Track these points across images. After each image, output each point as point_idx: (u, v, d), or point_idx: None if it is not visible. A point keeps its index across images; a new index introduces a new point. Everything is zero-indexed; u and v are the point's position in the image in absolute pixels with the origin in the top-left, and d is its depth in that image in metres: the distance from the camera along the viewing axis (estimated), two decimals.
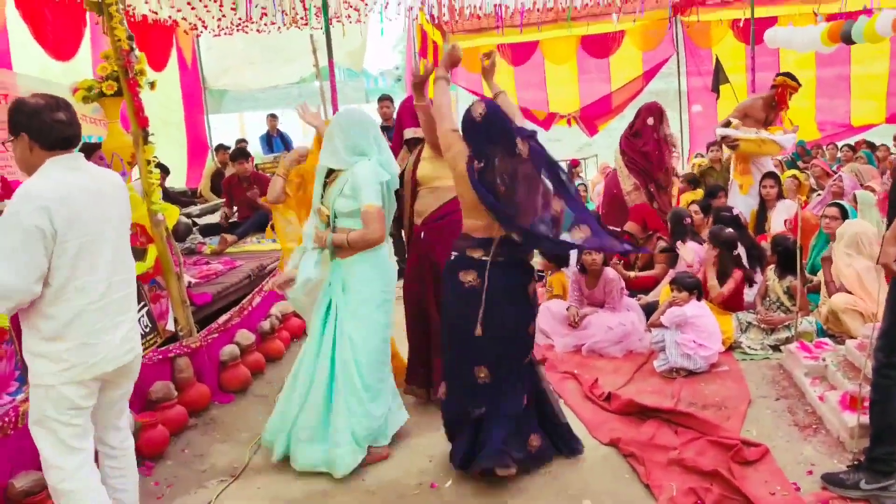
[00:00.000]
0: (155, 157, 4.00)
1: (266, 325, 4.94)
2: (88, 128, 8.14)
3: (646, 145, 6.32)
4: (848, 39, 7.00)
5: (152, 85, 4.12)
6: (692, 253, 5.12)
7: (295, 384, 3.50)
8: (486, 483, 3.18)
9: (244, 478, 3.48)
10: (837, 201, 5.24)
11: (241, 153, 6.86)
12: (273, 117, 10.00)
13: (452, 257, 3.19)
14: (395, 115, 6.74)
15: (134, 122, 3.81)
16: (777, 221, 6.26)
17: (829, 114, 12.76)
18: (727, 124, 6.89)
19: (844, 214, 5.07)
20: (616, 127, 13.53)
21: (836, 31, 7.07)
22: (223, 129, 13.07)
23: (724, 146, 7.20)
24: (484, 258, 3.09)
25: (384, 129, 6.44)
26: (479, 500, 3.11)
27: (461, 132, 3.16)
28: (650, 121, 6.37)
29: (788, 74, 7.10)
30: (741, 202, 6.63)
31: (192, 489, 3.39)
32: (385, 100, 7.17)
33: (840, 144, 10.27)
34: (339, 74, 11.17)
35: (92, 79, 3.97)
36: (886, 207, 5.17)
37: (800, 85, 7.04)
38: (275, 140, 9.79)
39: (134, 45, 3.74)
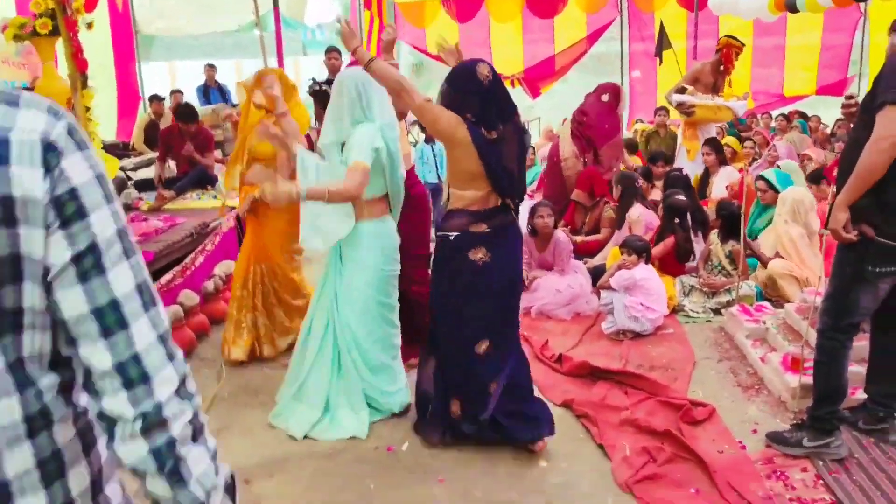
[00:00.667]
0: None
1: (210, 285, 4.78)
2: (11, 71, 7.64)
3: (596, 116, 6.35)
4: (793, 7, 7.16)
5: (89, 25, 3.87)
6: (641, 222, 5.19)
7: (301, 359, 3.48)
8: (442, 445, 3.20)
9: None
10: (763, 174, 5.40)
11: (189, 115, 6.33)
12: (211, 67, 9.57)
13: (453, 237, 3.04)
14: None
15: (71, 64, 3.58)
16: (718, 187, 6.42)
17: (763, 83, 13.09)
18: (682, 90, 6.96)
19: (771, 186, 5.25)
20: (558, 89, 13.62)
21: (781, 0, 7.21)
22: (152, 79, 12.46)
23: (678, 112, 7.25)
24: (487, 231, 3.01)
25: (329, 82, 6.30)
26: (437, 461, 3.12)
27: (455, 92, 2.95)
28: (605, 97, 6.38)
29: (730, 36, 7.23)
30: (689, 167, 6.76)
31: None
32: (333, 51, 6.94)
33: (774, 114, 10.56)
34: (266, 25, 10.77)
35: (22, 16, 3.68)
36: (830, 176, 5.39)
37: (743, 45, 7.19)
38: (212, 91, 9.41)
39: None
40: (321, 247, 3.41)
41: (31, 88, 4.08)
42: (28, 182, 0.84)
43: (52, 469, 0.92)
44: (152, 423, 0.91)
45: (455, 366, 3.16)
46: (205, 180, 6.22)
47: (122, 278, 0.91)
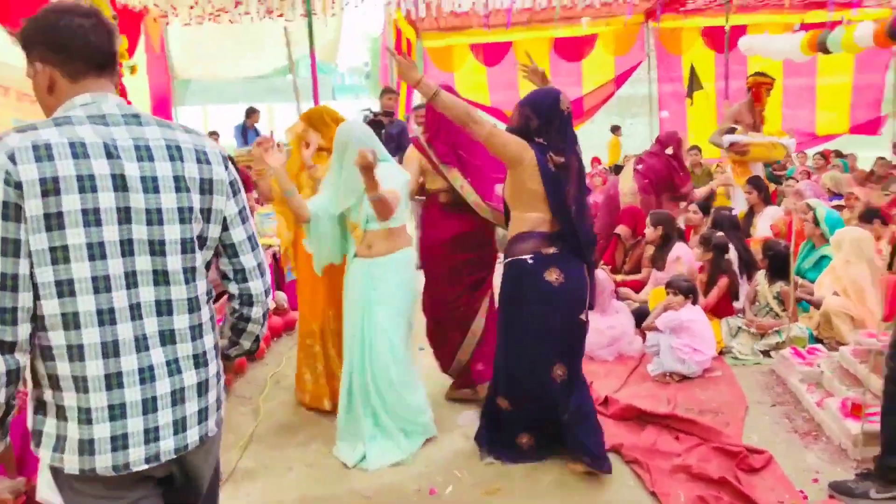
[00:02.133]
0: None
1: None
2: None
3: (665, 169, 6.28)
4: (824, 49, 7.10)
5: (133, 69, 3.93)
6: (682, 262, 5.08)
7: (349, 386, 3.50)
8: (485, 488, 3.10)
9: (231, 482, 3.31)
10: (811, 203, 5.30)
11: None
12: (255, 111, 9.83)
13: (529, 259, 3.08)
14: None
15: None
16: (762, 226, 6.30)
17: (794, 122, 13.00)
18: (731, 131, 6.88)
19: (815, 219, 5.13)
20: (587, 130, 13.63)
21: (814, 41, 7.16)
22: (187, 122, 12.73)
23: (731, 152, 7.07)
24: (557, 253, 3.08)
25: (386, 114, 6.44)
26: None
27: (536, 116, 3.06)
28: (669, 150, 6.30)
29: (758, 73, 7.19)
30: (743, 206, 6.68)
31: None
32: (390, 92, 7.11)
33: (810, 153, 10.45)
34: (305, 70, 10.95)
35: None
36: (887, 215, 5.26)
37: (773, 80, 7.12)
38: (249, 133, 9.57)
39: (117, 25, 3.52)
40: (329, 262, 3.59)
41: None
42: (220, 174, 1.66)
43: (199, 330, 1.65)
44: (266, 294, 1.78)
45: (530, 397, 3.22)
46: None
47: (252, 225, 1.75)
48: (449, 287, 3.86)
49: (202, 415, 1.63)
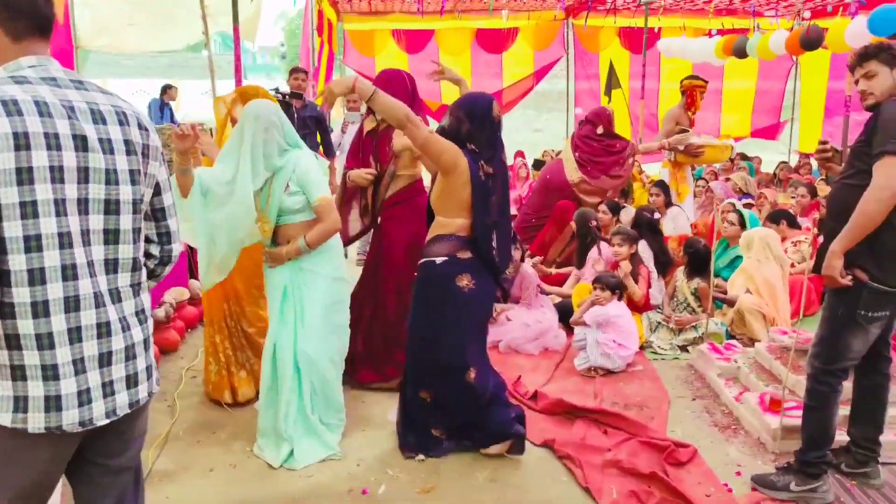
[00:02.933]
0: None
1: (160, 313, 4.50)
2: None
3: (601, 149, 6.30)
4: (741, 53, 7.38)
5: None
6: (602, 262, 5.16)
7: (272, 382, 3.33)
8: (420, 486, 3.04)
9: (149, 484, 3.10)
10: (738, 209, 5.49)
11: None
12: (170, 87, 9.32)
13: (440, 261, 3.06)
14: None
15: None
16: (668, 227, 6.49)
17: (701, 124, 13.53)
18: (682, 132, 6.82)
19: (742, 220, 5.33)
20: (508, 125, 13.77)
21: (729, 45, 7.44)
22: None
23: (682, 155, 6.95)
24: (471, 258, 3.06)
25: (294, 95, 6.14)
26: None
27: (469, 122, 3.00)
28: (600, 129, 6.30)
29: (692, 76, 7.17)
30: (684, 211, 6.67)
31: None
32: (298, 72, 6.75)
33: None
34: (216, 47, 10.51)
35: None
36: (809, 216, 5.49)
37: (706, 83, 7.15)
38: (166, 109, 9.10)
39: None
40: (218, 280, 3.42)
41: None
42: (154, 140, 1.73)
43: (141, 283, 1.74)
44: (176, 255, 1.89)
45: (446, 398, 3.22)
46: None
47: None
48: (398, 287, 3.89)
49: (149, 371, 1.75)
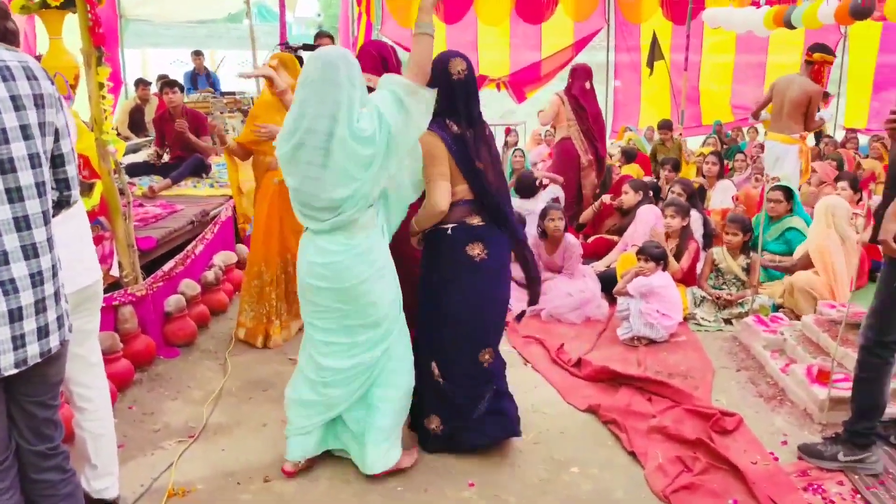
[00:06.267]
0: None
1: (210, 275, 4.60)
2: None
3: (593, 109, 6.30)
4: (790, 24, 7.19)
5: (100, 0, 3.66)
6: (648, 222, 5.14)
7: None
8: (470, 453, 3.08)
9: (203, 438, 3.23)
10: (781, 184, 5.39)
11: (172, 81, 6.33)
12: (198, 55, 9.32)
13: (449, 229, 2.84)
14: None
15: (87, 39, 3.37)
16: (717, 199, 6.43)
17: (743, 98, 13.29)
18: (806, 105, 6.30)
19: (788, 196, 5.24)
20: (542, 97, 13.63)
21: (780, 15, 7.25)
22: (125, 65, 12.09)
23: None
24: (482, 224, 2.87)
25: (305, 47, 5.86)
26: (464, 464, 3.01)
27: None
28: (588, 84, 6.27)
29: (822, 48, 6.51)
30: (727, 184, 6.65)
31: (147, 450, 3.11)
32: (325, 37, 6.58)
33: (762, 129, 10.65)
34: (254, 18, 10.53)
35: None
36: (865, 187, 5.37)
37: (834, 57, 6.68)
38: (200, 78, 9.15)
39: None
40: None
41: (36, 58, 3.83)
42: (48, 88, 1.82)
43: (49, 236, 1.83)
44: (75, 201, 2.04)
45: (451, 381, 2.97)
46: (200, 169, 6.01)
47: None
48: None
49: (59, 321, 1.86)
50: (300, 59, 5.47)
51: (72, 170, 1.96)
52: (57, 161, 1.91)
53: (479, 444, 3.05)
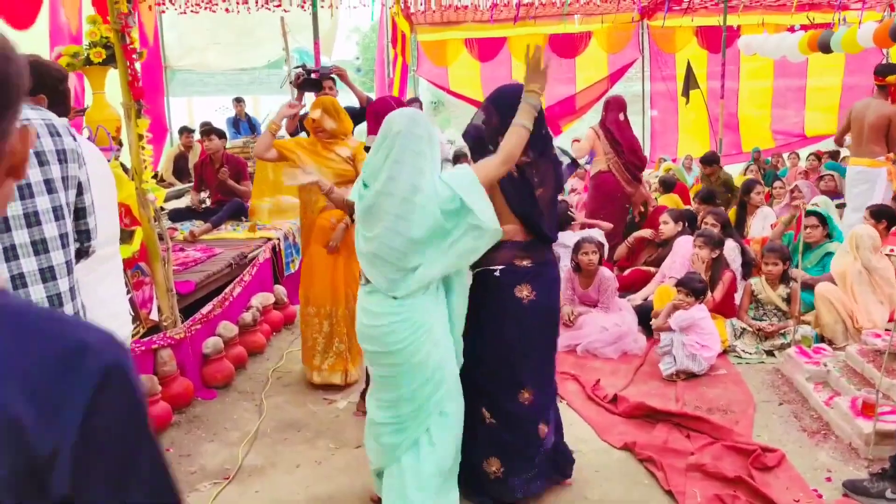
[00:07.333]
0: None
1: (248, 316, 4.69)
2: None
3: (628, 141, 6.28)
4: (826, 48, 7.10)
5: (140, 55, 3.84)
6: (683, 253, 5.08)
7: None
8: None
9: (238, 480, 3.26)
10: (815, 209, 5.28)
11: (210, 128, 6.53)
12: (239, 101, 9.63)
13: (498, 272, 2.80)
14: None
15: (127, 93, 3.52)
16: (756, 227, 6.31)
17: (782, 123, 13.10)
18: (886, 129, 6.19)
19: (823, 221, 5.13)
20: (578, 128, 13.65)
21: (814, 40, 7.17)
22: (171, 113, 12.55)
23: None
24: (531, 266, 2.82)
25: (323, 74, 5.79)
26: None
27: (498, 115, 2.76)
28: (621, 116, 6.27)
29: (892, 69, 6.29)
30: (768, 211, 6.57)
31: (183, 492, 3.15)
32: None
33: (804, 154, 10.48)
34: (294, 63, 10.83)
35: (77, 45, 3.66)
36: (872, 210, 5.23)
37: None
38: (242, 124, 9.44)
39: (132, 10, 3.44)
40: None
41: (81, 112, 4.03)
42: (70, 144, 1.94)
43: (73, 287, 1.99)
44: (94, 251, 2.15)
45: (496, 420, 2.88)
46: (239, 212, 6.17)
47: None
48: None
49: None
50: (318, 84, 5.41)
51: (92, 221, 2.07)
52: (80, 213, 2.02)
53: (537, 490, 2.93)
